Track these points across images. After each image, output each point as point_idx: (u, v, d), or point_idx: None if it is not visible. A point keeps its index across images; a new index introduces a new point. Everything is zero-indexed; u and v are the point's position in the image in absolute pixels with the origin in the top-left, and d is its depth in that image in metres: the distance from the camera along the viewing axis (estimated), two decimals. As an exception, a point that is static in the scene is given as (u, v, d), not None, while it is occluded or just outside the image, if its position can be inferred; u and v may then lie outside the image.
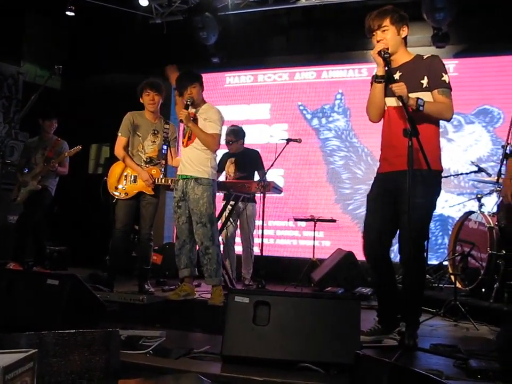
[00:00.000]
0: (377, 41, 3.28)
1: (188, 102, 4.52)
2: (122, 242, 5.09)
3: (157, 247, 6.76)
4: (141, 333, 2.96)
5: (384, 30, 3.27)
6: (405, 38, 3.37)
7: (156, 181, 4.98)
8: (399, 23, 3.28)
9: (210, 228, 4.50)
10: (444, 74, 3.23)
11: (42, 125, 6.37)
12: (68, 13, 7.44)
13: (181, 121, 4.55)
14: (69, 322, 2.71)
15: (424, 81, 3.23)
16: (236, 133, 6.20)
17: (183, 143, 4.70)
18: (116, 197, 5.04)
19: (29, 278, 3.27)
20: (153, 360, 2.62)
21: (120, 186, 5.04)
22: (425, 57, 3.31)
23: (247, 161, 6.11)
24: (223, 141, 5.50)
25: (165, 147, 5.13)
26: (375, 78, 3.26)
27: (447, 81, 3.23)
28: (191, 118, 4.53)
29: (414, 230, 3.00)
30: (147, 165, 5.04)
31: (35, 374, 1.63)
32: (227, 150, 6.22)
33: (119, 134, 5.07)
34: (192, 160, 4.58)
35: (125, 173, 5.07)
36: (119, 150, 5.06)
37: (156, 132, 5.10)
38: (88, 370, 2.13)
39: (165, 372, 2.47)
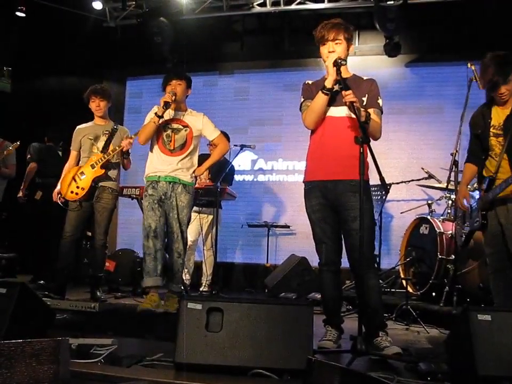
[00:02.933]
0: (329, 52, 3.31)
1: (171, 95, 4.37)
2: (72, 247, 5.02)
3: (110, 254, 6.65)
4: (92, 341, 2.90)
5: (337, 43, 3.33)
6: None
7: (103, 158, 4.96)
8: (349, 40, 3.38)
9: (186, 236, 4.59)
10: (379, 98, 3.41)
11: None
12: (18, 14, 7.28)
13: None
14: (16, 332, 2.63)
15: (365, 99, 3.36)
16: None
17: (171, 149, 4.53)
18: (77, 199, 4.99)
19: (-26, 286, 3.16)
20: (104, 368, 2.56)
21: (75, 187, 5.00)
22: (365, 78, 3.46)
23: (221, 172, 5.90)
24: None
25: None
26: (322, 89, 3.26)
27: (381, 105, 3.40)
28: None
29: (365, 240, 3.10)
30: None
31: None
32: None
33: (71, 149, 5.22)
34: (182, 165, 4.54)
35: (74, 177, 5.02)
36: (69, 165, 5.16)
37: (107, 132, 5.11)
38: (35, 382, 2.06)
39: (117, 380, 2.42)
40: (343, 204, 3.29)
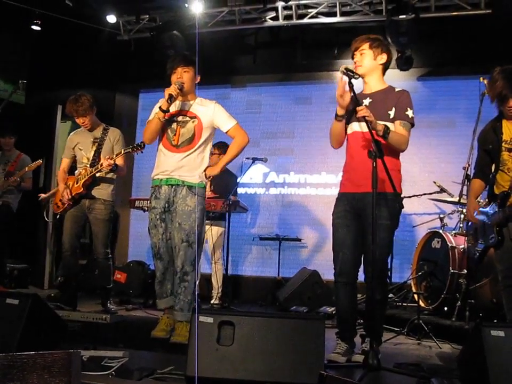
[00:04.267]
0: (355, 63, 3.43)
1: (178, 87, 3.85)
2: (73, 257, 5.04)
3: (121, 265, 6.68)
4: (103, 353, 2.91)
5: (362, 53, 3.41)
6: (384, 66, 3.49)
7: (80, 182, 4.87)
8: (377, 48, 3.42)
9: (195, 250, 3.83)
10: (409, 109, 3.39)
11: None
12: (34, 27, 7.37)
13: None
14: (29, 343, 2.64)
15: (392, 112, 3.37)
16: (221, 147, 5.83)
17: (176, 144, 3.97)
18: (59, 212, 5.08)
19: (-13, 297, 3.18)
20: (115, 381, 2.57)
21: (58, 200, 5.09)
22: (396, 90, 3.46)
23: (224, 183, 5.93)
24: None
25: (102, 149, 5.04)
26: (335, 117, 3.37)
27: (410, 116, 3.39)
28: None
29: (379, 251, 3.15)
30: None
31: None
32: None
33: (62, 156, 5.21)
34: (187, 162, 3.93)
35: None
36: (59, 172, 5.19)
37: (95, 141, 5.06)
38: (47, 393, 2.07)
39: (128, 393, 2.43)
40: (367, 215, 3.28)
